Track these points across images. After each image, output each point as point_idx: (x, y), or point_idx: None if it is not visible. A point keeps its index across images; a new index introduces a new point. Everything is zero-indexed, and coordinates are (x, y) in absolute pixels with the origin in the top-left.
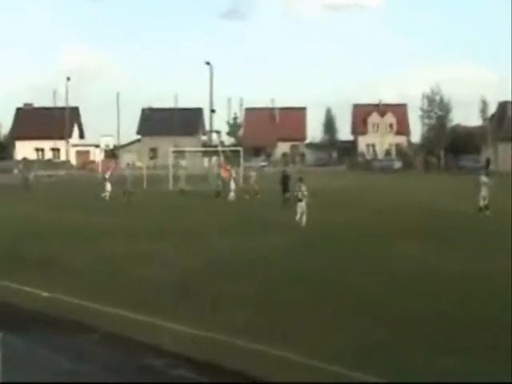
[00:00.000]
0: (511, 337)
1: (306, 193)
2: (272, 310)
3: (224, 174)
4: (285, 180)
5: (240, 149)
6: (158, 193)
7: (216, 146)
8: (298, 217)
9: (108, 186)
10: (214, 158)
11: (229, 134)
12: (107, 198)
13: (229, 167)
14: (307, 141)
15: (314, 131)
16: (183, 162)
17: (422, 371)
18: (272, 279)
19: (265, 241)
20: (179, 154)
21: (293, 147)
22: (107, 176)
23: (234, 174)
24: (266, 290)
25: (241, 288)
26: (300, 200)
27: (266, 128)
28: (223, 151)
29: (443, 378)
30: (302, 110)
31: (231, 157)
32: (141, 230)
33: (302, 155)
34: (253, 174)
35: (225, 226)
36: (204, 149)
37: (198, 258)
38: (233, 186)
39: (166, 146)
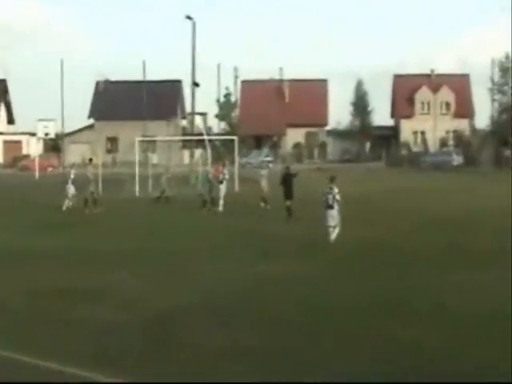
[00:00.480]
0: None
1: (338, 197)
2: None
3: (214, 173)
4: (287, 181)
5: (234, 138)
6: (120, 201)
7: (201, 135)
8: (331, 229)
9: (71, 190)
10: (198, 152)
11: (218, 117)
12: (67, 207)
13: (221, 165)
14: (329, 127)
15: (339, 113)
16: (154, 158)
17: None
18: (282, 330)
19: (272, 268)
20: (149, 145)
21: (309, 136)
22: (72, 176)
23: (225, 175)
24: (275, 347)
25: (239, 340)
26: (330, 207)
27: (272, 108)
28: (211, 141)
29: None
30: (322, 83)
31: (222, 150)
32: (98, 254)
33: (323, 146)
34: (264, 172)
35: (216, 247)
36: (184, 138)
37: (174, 293)
38: (223, 190)
39: (131, 135)
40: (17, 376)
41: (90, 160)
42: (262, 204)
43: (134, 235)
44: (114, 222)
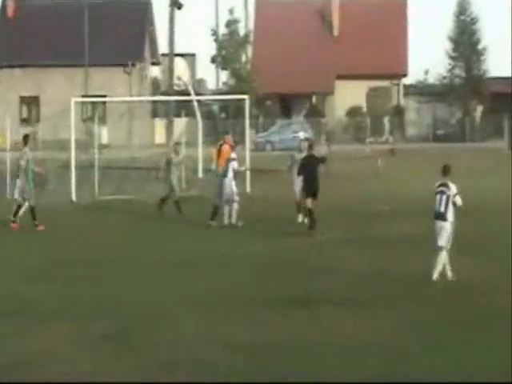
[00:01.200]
0: None
1: (459, 200)
2: None
3: (220, 159)
4: (308, 169)
5: (245, 98)
6: (41, 213)
7: (186, 94)
8: (443, 254)
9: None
10: (181, 123)
11: (216, 62)
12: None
13: (226, 144)
14: (409, 80)
15: (427, 56)
16: (104, 134)
17: None
18: None
19: None
20: (94, 111)
21: (374, 95)
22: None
23: (235, 165)
24: None
25: None
26: (441, 216)
27: (310, 47)
28: (204, 105)
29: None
30: (397, 3)
31: (222, 119)
32: None
33: (398, 113)
34: (299, 157)
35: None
36: (156, 98)
37: None
38: (233, 190)
39: (62, 93)
40: None
41: None
42: (300, 217)
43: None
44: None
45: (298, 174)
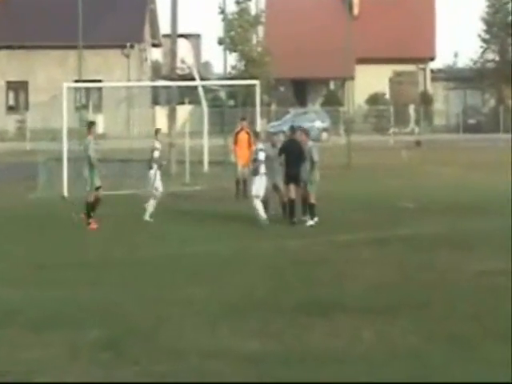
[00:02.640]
0: None
1: None
2: None
3: (239, 148)
4: (289, 151)
5: (255, 83)
6: (27, 210)
7: (190, 79)
8: None
9: None
10: (186, 111)
11: (223, 43)
12: None
13: (244, 131)
14: (437, 63)
15: (456, 38)
16: (100, 122)
17: None
18: None
19: None
20: (89, 98)
21: (398, 80)
22: None
23: (262, 155)
24: None
25: None
26: None
27: (328, 28)
28: (212, 90)
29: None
30: None
31: (229, 106)
32: None
33: (425, 101)
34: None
35: None
36: (157, 83)
37: None
38: (261, 188)
39: (53, 78)
40: None
41: None
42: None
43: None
44: None
45: (279, 154)
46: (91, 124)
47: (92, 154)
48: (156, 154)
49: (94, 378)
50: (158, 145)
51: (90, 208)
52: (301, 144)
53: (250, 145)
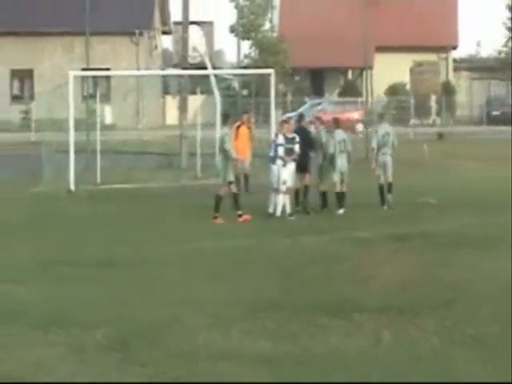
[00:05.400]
0: None
1: None
2: None
3: (239, 142)
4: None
5: (270, 72)
6: (29, 203)
7: (202, 68)
8: None
9: None
10: (197, 101)
11: (236, 31)
12: None
13: (244, 126)
14: (460, 53)
15: (480, 28)
16: (107, 113)
17: None
18: None
19: None
20: (97, 86)
21: (419, 69)
22: None
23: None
24: None
25: None
26: None
27: (346, 15)
28: (225, 79)
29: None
30: None
31: (242, 99)
32: None
33: (447, 91)
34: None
35: None
36: (168, 72)
37: None
38: (283, 178)
39: (59, 66)
40: None
41: None
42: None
43: None
44: None
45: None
46: (226, 116)
47: (228, 147)
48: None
49: (102, 379)
50: (281, 140)
51: (216, 202)
52: (309, 132)
53: (250, 140)
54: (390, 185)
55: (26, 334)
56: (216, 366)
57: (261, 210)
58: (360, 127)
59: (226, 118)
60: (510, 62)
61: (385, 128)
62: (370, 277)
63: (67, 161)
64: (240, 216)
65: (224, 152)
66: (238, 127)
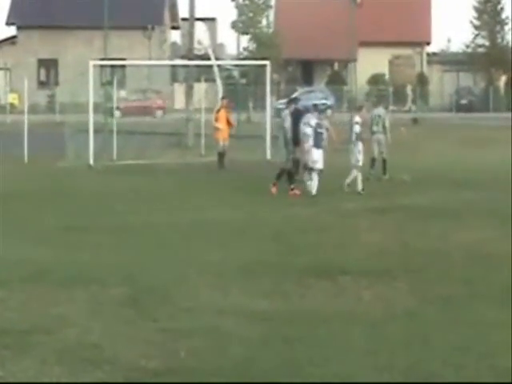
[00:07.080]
0: None
1: None
2: None
3: (221, 131)
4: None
5: (266, 63)
6: (55, 175)
7: (206, 58)
8: None
9: None
10: (202, 88)
11: (236, 27)
12: None
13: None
14: (432, 48)
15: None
16: (123, 96)
17: None
18: None
19: None
20: (114, 75)
21: (397, 62)
22: None
23: (358, 127)
24: None
25: None
26: None
27: (332, 13)
28: (226, 69)
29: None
30: None
31: (241, 86)
32: None
33: (422, 82)
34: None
35: None
36: (176, 62)
37: None
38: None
39: (81, 56)
40: None
41: None
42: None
43: None
44: None
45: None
46: (293, 100)
47: (287, 126)
48: (357, 128)
49: (117, 332)
50: (358, 119)
51: (286, 175)
52: (302, 113)
53: (228, 122)
54: (384, 161)
55: (50, 292)
56: (217, 320)
57: (258, 184)
58: (329, 112)
59: (292, 101)
60: (476, 57)
61: (378, 111)
62: (353, 244)
63: (87, 139)
64: (292, 189)
65: (284, 131)
66: (218, 111)
